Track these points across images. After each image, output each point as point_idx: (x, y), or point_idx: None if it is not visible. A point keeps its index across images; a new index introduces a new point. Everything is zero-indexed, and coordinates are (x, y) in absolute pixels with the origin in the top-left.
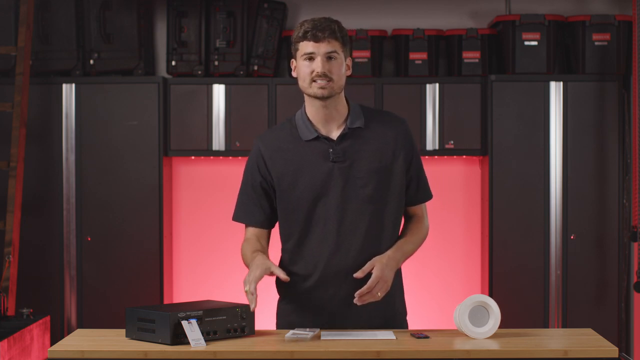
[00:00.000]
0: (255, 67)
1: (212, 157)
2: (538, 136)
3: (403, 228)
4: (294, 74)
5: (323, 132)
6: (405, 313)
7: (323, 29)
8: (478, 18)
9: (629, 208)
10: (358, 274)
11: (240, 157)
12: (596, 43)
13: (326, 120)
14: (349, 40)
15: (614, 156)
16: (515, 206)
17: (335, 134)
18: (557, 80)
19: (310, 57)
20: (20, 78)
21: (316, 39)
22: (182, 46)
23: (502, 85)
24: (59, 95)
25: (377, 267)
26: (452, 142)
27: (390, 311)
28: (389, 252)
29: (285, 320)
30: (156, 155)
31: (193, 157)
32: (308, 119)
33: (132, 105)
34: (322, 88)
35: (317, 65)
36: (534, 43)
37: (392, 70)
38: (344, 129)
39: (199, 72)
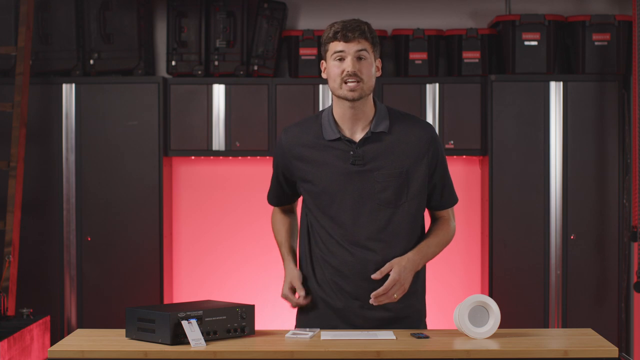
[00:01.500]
0: (255, 67)
1: (212, 157)
2: (538, 136)
3: (429, 229)
4: (323, 75)
5: (347, 133)
6: (424, 314)
7: (353, 29)
8: (478, 18)
9: (629, 208)
10: (376, 275)
11: (240, 157)
12: (596, 43)
13: (352, 121)
14: (378, 42)
15: (614, 156)
16: (515, 206)
17: (358, 136)
18: (557, 80)
19: (341, 57)
20: (20, 78)
21: (346, 39)
22: (182, 46)
23: (502, 85)
24: (59, 95)
25: (395, 269)
26: (452, 142)
27: (408, 310)
28: (408, 254)
29: (302, 319)
30: (156, 155)
31: (193, 157)
32: (334, 118)
33: (132, 105)
34: (352, 90)
35: (348, 64)
36: (534, 43)
37: (392, 70)
38: (367, 133)
39: (199, 72)
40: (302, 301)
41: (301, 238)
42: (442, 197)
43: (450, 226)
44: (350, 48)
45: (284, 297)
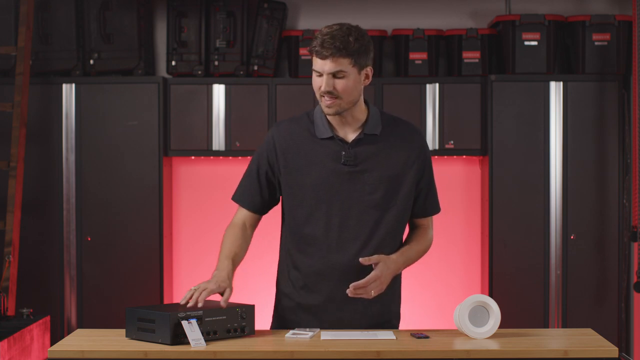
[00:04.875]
0: (255, 67)
1: (212, 157)
2: (538, 136)
3: (407, 236)
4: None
5: (339, 133)
6: (398, 320)
7: (328, 47)
8: (478, 18)
9: (629, 208)
10: (364, 260)
11: (240, 157)
12: (596, 43)
13: (343, 123)
14: (365, 50)
15: (614, 156)
16: (515, 206)
17: (350, 137)
18: (557, 80)
19: (319, 73)
20: (20, 78)
21: (321, 57)
22: (182, 46)
23: (502, 85)
24: (59, 95)
25: (380, 266)
26: (452, 142)
27: (386, 315)
28: (393, 256)
29: (280, 318)
30: (156, 155)
31: (193, 157)
32: (326, 117)
33: (132, 105)
34: (328, 107)
35: (323, 83)
36: (534, 43)
37: (392, 70)
38: (360, 134)
39: (199, 72)
40: (199, 305)
41: (281, 244)
42: (425, 203)
43: (428, 235)
44: (325, 67)
45: (197, 289)
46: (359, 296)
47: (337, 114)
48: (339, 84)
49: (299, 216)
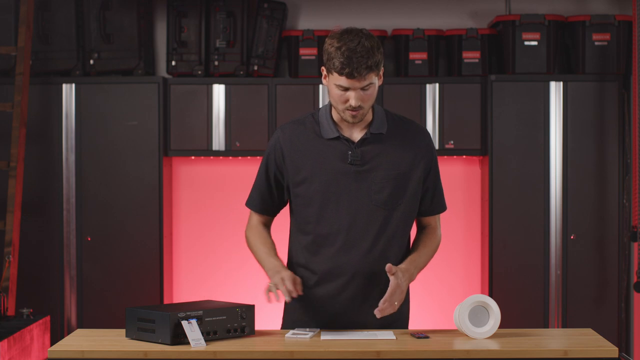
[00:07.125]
0: (255, 67)
1: (212, 157)
2: (538, 136)
3: (415, 238)
4: (324, 82)
5: (345, 133)
6: (407, 320)
7: (359, 68)
8: (478, 18)
9: (629, 208)
10: (389, 267)
11: (240, 157)
12: (596, 43)
13: (350, 123)
14: (382, 58)
15: (614, 156)
16: (515, 206)
17: (356, 137)
18: (557, 80)
19: (345, 89)
20: (20, 78)
21: (352, 77)
22: (182, 46)
23: (502, 85)
24: (59, 95)
25: (398, 274)
26: (452, 142)
27: (395, 315)
28: (403, 265)
29: (290, 317)
30: (156, 155)
31: (193, 157)
32: (332, 118)
33: (132, 105)
34: (354, 117)
35: (352, 99)
36: (534, 43)
37: (392, 70)
38: (366, 134)
39: (199, 72)
40: (290, 297)
41: (289, 244)
42: (432, 201)
43: (437, 235)
44: (356, 84)
45: (279, 283)
46: (387, 314)
47: (361, 121)
48: (367, 96)
49: (307, 217)
